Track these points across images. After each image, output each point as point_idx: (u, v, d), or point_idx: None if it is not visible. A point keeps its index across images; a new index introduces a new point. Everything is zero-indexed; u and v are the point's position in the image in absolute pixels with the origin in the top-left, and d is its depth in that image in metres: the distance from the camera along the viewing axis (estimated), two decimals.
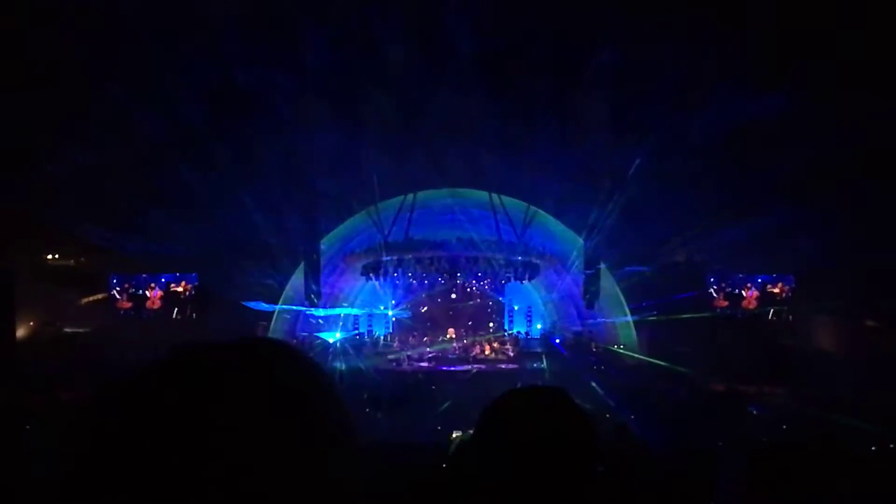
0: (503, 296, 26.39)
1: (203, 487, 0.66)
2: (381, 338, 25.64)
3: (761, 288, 24.93)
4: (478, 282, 25.10)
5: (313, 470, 0.72)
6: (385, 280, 24.94)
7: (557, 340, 25.43)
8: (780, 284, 24.82)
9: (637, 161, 21.11)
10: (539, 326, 26.44)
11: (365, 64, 19.99)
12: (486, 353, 24.14)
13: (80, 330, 23.65)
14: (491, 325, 26.39)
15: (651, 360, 23.76)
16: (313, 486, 0.72)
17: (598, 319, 25.48)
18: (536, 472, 1.32)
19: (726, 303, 25.05)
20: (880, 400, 17.49)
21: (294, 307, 25.37)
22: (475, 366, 23.24)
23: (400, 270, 24.38)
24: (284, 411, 0.73)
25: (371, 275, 24.68)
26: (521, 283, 25.19)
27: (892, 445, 10.82)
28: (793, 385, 19.62)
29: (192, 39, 18.09)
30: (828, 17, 17.23)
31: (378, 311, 26.41)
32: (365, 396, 20.36)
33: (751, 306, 24.91)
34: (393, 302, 26.49)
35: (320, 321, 25.68)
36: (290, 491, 0.70)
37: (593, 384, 21.82)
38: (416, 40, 19.34)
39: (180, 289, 24.80)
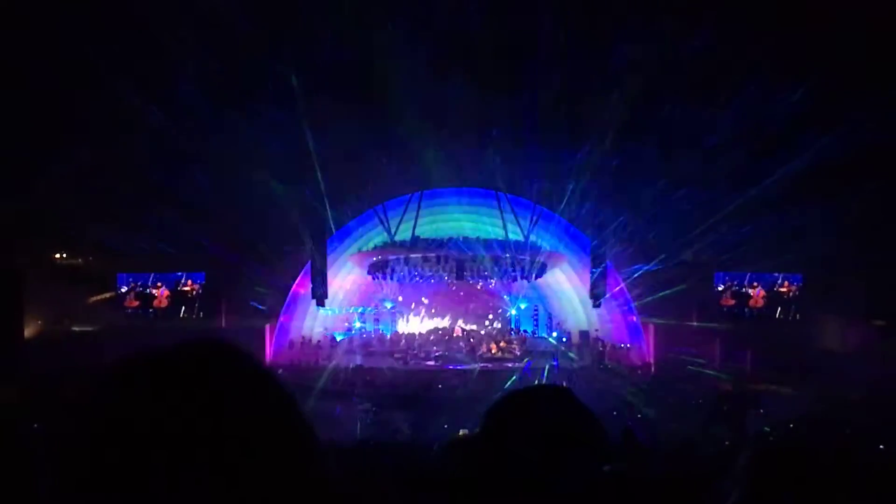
0: (510, 294, 26.37)
1: (140, 490, 0.66)
2: (388, 336, 25.64)
3: (769, 287, 24.84)
4: (484, 280, 25.06)
5: (254, 467, 0.71)
6: (392, 279, 24.94)
7: (564, 339, 25.40)
8: (787, 283, 24.73)
9: (645, 159, 21.05)
10: (546, 325, 26.40)
11: (373, 61, 19.99)
12: (493, 351, 24.12)
13: (88, 329, 23.71)
14: (498, 323, 26.39)
15: (658, 358, 23.72)
16: (255, 483, 0.71)
17: (605, 318, 25.42)
18: (546, 472, 1.32)
19: (733, 301, 24.97)
20: (888, 398, 17.43)
21: (302, 306, 25.39)
22: (482, 364, 23.22)
23: (407, 269, 24.37)
24: (216, 413, 0.72)
25: (378, 273, 24.69)
26: (528, 281, 25.16)
27: None
28: (800, 384, 19.55)
29: (201, 36, 18.12)
30: (832, 14, 17.17)
31: (384, 310, 26.41)
32: (370, 395, 20.38)
33: (758, 305, 24.83)
34: (400, 300, 26.49)
35: (327, 320, 25.70)
36: (233, 489, 0.69)
37: (599, 383, 21.80)
38: (423, 37, 19.34)
39: (188, 288, 24.84)
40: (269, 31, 19.16)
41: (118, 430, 0.70)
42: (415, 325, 26.28)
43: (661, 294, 23.26)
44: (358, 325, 26.00)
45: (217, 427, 0.72)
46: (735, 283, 25.05)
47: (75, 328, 23.93)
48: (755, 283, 24.86)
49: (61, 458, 0.70)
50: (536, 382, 18.02)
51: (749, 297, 24.92)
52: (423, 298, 26.41)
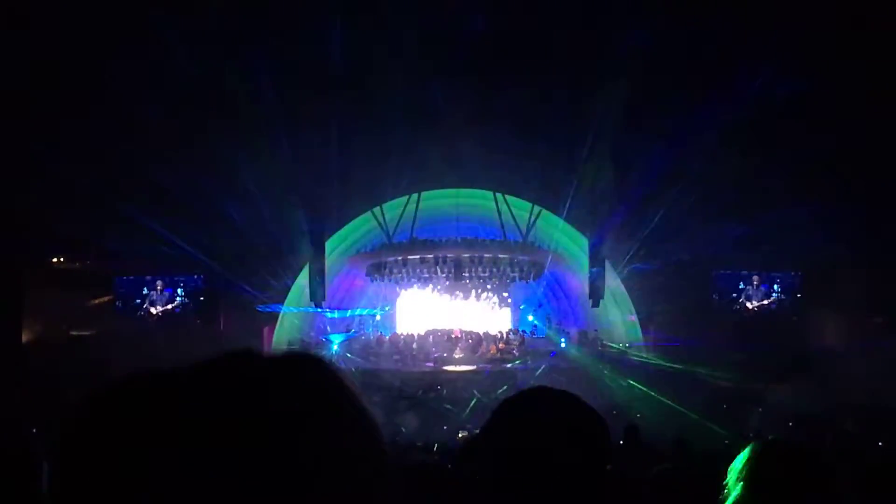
0: (508, 295, 26.39)
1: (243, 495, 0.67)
2: (386, 338, 25.63)
3: (768, 285, 24.85)
4: (483, 281, 25.06)
5: (348, 479, 0.73)
6: (390, 280, 24.96)
7: (563, 339, 25.41)
8: (786, 281, 24.75)
9: (642, 158, 21.06)
10: (544, 326, 26.40)
11: (370, 63, 19.99)
12: (493, 352, 24.13)
13: (87, 333, 23.70)
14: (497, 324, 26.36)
15: (657, 357, 23.73)
16: (348, 493, 0.73)
17: (604, 318, 25.44)
18: (550, 473, 1.32)
19: (732, 299, 24.99)
20: (887, 396, 17.47)
21: (300, 308, 25.37)
22: (481, 365, 23.23)
23: (405, 271, 24.39)
24: (323, 421, 0.74)
25: (376, 275, 24.70)
26: (527, 282, 25.18)
27: None
28: (799, 382, 19.57)
29: (192, 38, 18.12)
30: (826, 12, 17.20)
31: (383, 312, 26.41)
32: (369, 397, 20.35)
33: (757, 303, 24.84)
34: (398, 301, 26.51)
35: (326, 322, 25.70)
36: (327, 497, 0.71)
37: (599, 383, 21.82)
38: (419, 38, 19.34)
39: (186, 291, 24.82)
40: (264, 28, 19.14)
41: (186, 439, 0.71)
42: (413, 326, 26.26)
43: (659, 293, 23.27)
44: (357, 326, 25.98)
45: (328, 432, 0.74)
46: (734, 281, 25.06)
47: (73, 332, 23.92)
48: (754, 282, 24.87)
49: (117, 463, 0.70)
50: (539, 385, 18.01)
51: (748, 294, 24.94)
52: (421, 299, 26.40)
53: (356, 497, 0.73)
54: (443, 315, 26.04)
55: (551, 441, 1.35)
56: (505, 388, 20.10)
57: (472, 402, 20.43)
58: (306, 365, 0.80)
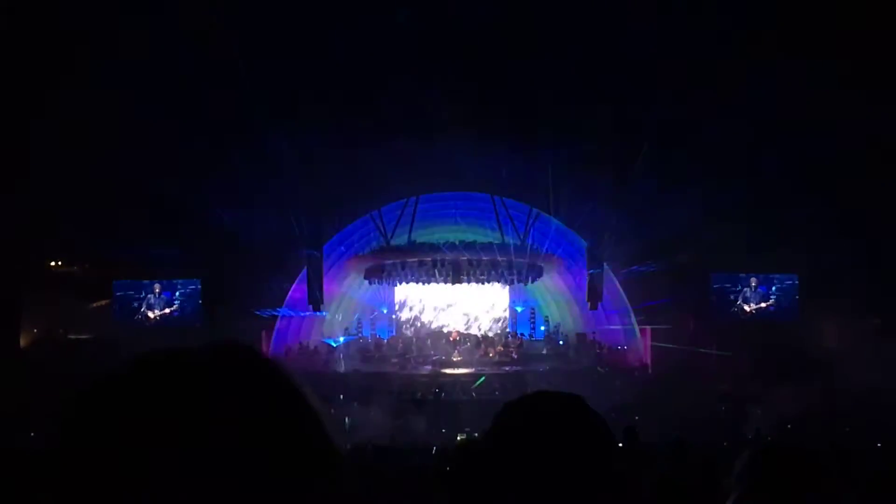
0: (507, 298, 26.40)
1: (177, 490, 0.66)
2: (385, 341, 25.62)
3: (766, 287, 24.89)
4: (481, 285, 25.06)
5: (266, 475, 0.71)
6: (388, 283, 24.95)
7: (561, 342, 25.39)
8: (784, 283, 24.79)
9: (640, 160, 21.08)
10: (543, 328, 26.41)
11: (367, 65, 20.00)
12: (491, 355, 24.11)
13: (84, 337, 23.68)
14: (496, 327, 26.35)
15: (655, 360, 23.74)
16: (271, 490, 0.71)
17: (602, 320, 25.44)
18: (554, 478, 1.32)
19: (730, 302, 25.01)
20: (884, 398, 17.48)
21: (298, 312, 25.34)
22: (479, 368, 23.20)
23: (403, 274, 24.38)
24: (253, 413, 0.73)
25: (374, 278, 24.69)
26: (525, 285, 25.18)
27: None
28: (798, 384, 19.59)
29: (189, 39, 18.12)
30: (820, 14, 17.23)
31: (381, 314, 26.40)
32: (368, 400, 20.36)
33: (755, 305, 24.87)
34: (396, 305, 26.50)
35: (324, 325, 25.67)
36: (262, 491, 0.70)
37: (597, 385, 21.81)
38: (419, 40, 19.36)
39: (184, 295, 24.80)
40: (260, 34, 19.15)
41: (124, 430, 0.70)
42: (412, 329, 26.24)
43: (657, 295, 23.28)
44: (355, 330, 25.95)
45: (233, 431, 0.72)
46: (731, 283, 25.10)
47: (71, 336, 23.90)
48: (752, 284, 24.91)
49: (60, 456, 0.70)
50: (540, 388, 18.03)
51: (746, 297, 24.97)
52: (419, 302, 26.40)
53: (282, 493, 0.72)
54: (441, 317, 26.09)
55: (557, 445, 1.34)
56: (505, 390, 20.11)
57: (471, 406, 20.41)
58: (232, 358, 0.78)
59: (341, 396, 20.19)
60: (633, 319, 25.07)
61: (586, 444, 1.37)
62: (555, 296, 26.66)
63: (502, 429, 1.41)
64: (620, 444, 8.73)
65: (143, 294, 24.67)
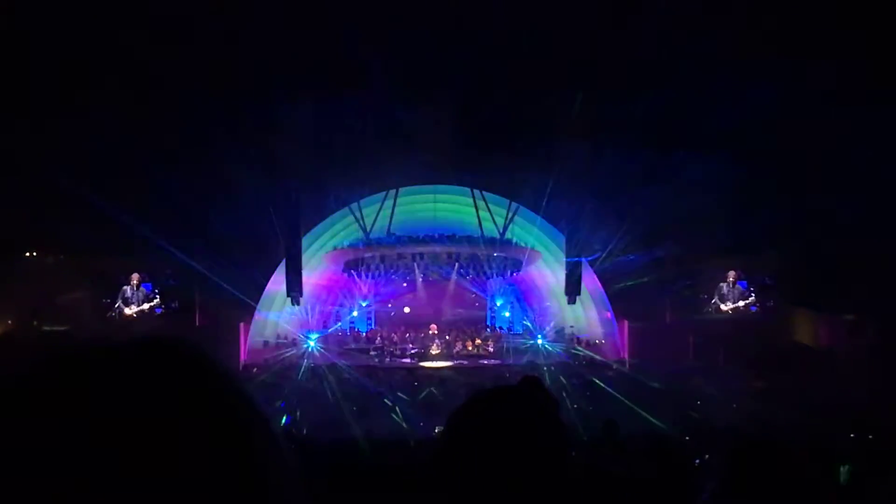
0: (485, 291, 26.44)
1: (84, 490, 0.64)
2: (364, 334, 25.57)
3: (744, 285, 25.09)
4: (460, 277, 25.08)
5: (202, 471, 0.69)
6: (367, 276, 24.89)
7: (540, 335, 25.47)
8: (761, 281, 25.00)
9: (619, 155, 21.15)
10: (521, 321, 26.46)
11: (350, 61, 19.93)
12: (469, 348, 24.14)
13: (60, 328, 23.39)
14: (473, 320, 26.39)
15: (632, 353, 23.89)
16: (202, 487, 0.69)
17: (581, 313, 25.56)
18: (506, 473, 1.32)
19: (708, 299, 25.22)
20: (859, 393, 17.71)
21: (276, 308, 25.24)
22: (457, 361, 23.23)
23: (382, 267, 24.34)
24: (164, 411, 0.70)
25: (353, 271, 24.62)
26: (504, 278, 25.24)
27: (870, 437, 10.96)
28: (773, 379, 19.80)
29: (180, 39, 18.00)
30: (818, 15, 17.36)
31: (360, 307, 26.33)
32: (346, 393, 20.35)
33: (732, 301, 25.08)
34: (375, 297, 26.45)
35: (302, 318, 25.55)
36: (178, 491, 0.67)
37: (575, 378, 21.93)
38: (400, 38, 19.33)
39: (162, 288, 24.61)
40: (244, 28, 19.03)
41: (45, 425, 0.68)
42: (390, 322, 26.22)
43: (635, 290, 23.42)
44: (333, 322, 25.88)
45: (161, 433, 0.69)
46: (710, 278, 25.28)
47: (46, 327, 23.61)
48: (730, 281, 25.11)
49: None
50: (509, 379, 18.07)
51: (723, 292, 25.18)
52: (398, 295, 26.40)
53: (211, 493, 0.70)
54: (420, 310, 26.10)
55: (508, 441, 1.35)
56: (481, 383, 20.13)
57: (448, 399, 20.42)
58: (160, 354, 0.75)
59: (327, 392, 20.19)
60: (612, 313, 25.22)
61: (535, 435, 1.38)
62: (534, 289, 26.73)
63: (455, 423, 1.43)
64: (602, 437, 8.77)
65: (121, 286, 24.48)
